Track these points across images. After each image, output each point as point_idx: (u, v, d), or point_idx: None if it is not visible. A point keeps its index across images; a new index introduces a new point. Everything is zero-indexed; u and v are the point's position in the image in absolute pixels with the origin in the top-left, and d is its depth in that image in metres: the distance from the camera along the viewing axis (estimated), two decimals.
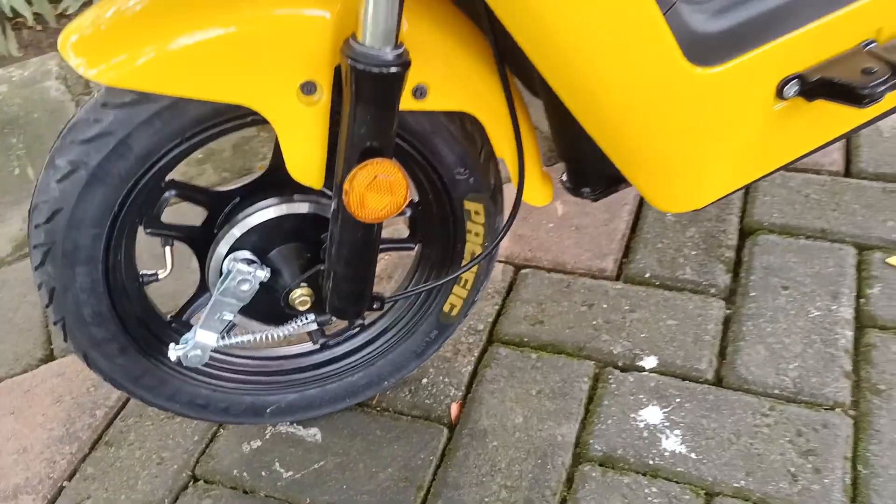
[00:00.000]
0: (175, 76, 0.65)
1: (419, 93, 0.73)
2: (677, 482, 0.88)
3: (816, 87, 0.75)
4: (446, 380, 1.04)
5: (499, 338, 1.08)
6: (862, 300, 1.04)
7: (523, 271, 1.17)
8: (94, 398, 1.06)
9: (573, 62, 0.69)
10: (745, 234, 1.16)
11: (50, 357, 1.14)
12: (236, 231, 0.81)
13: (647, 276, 1.12)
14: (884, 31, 0.77)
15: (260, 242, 0.83)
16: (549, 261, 1.17)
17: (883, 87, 0.72)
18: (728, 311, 1.06)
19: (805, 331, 1.01)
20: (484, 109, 0.77)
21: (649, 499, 0.87)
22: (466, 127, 0.80)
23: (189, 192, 0.82)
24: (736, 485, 0.87)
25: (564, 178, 0.95)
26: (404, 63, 0.65)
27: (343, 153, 0.70)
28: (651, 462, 0.90)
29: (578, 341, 1.05)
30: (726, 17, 0.71)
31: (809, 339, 1.00)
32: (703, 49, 0.71)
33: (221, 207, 0.83)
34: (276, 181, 0.82)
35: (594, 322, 1.07)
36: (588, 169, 0.91)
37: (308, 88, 0.69)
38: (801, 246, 1.12)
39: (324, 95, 0.70)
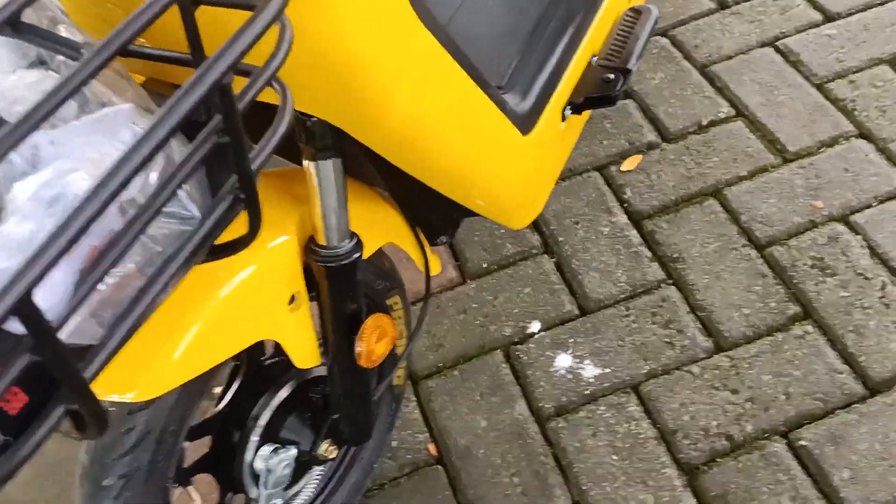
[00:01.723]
0: (198, 358, 0.74)
1: None
2: (611, 393, 1.19)
3: (583, 105, 1.06)
4: (408, 431, 1.23)
5: (420, 376, 1.28)
6: (625, 205, 1.42)
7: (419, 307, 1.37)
8: None
9: (443, 162, 0.89)
10: None
11: None
12: (254, 437, 0.92)
13: (485, 266, 1.39)
14: (596, 48, 1.10)
15: (272, 432, 0.94)
16: (410, 296, 1.39)
17: (622, 86, 1.05)
18: (554, 260, 1.38)
19: (609, 245, 1.37)
20: (393, 233, 0.96)
21: (603, 416, 1.17)
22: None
23: (199, 431, 0.90)
24: (643, 371, 1.21)
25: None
26: (359, 245, 0.82)
27: (335, 327, 0.86)
28: (587, 392, 1.20)
29: (477, 342, 1.30)
30: (530, 93, 0.97)
31: (614, 249, 1.36)
32: (525, 118, 0.97)
33: (226, 428, 0.92)
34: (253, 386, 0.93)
35: (476, 321, 1.33)
36: (440, 224, 1.14)
37: (292, 300, 0.83)
38: (566, 187, 1.46)
39: (303, 296, 0.84)
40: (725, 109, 1.50)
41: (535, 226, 1.43)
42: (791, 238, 1.30)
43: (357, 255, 0.82)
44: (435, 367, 1.28)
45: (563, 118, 1.07)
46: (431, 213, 1.10)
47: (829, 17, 1.60)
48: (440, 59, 0.74)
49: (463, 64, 0.78)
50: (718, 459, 1.09)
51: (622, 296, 1.30)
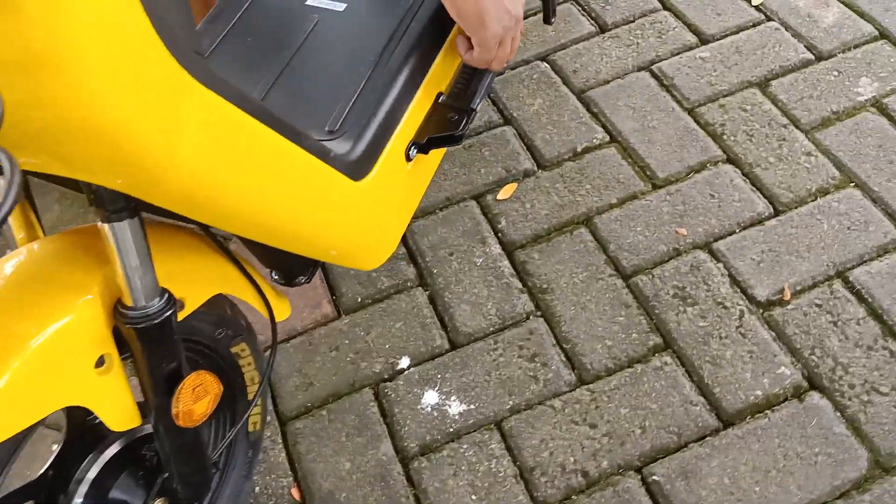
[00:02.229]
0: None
1: (179, 306, 0.87)
2: (475, 430, 1.19)
3: (428, 144, 1.05)
4: (272, 476, 1.21)
5: (288, 417, 1.26)
6: (500, 234, 1.41)
7: (268, 354, 1.35)
8: None
9: (255, 217, 0.87)
10: None
11: None
12: (78, 499, 0.89)
13: (360, 300, 1.38)
14: (443, 85, 1.09)
15: (100, 492, 0.91)
16: (282, 333, 1.37)
17: (467, 126, 1.04)
18: (427, 293, 1.37)
19: (481, 277, 1.36)
20: (222, 282, 0.94)
21: (466, 454, 1.17)
22: (210, 298, 0.96)
23: (19, 497, 0.87)
24: (507, 407, 1.20)
25: (275, 276, 1.14)
26: (171, 302, 0.80)
27: (153, 389, 0.83)
28: (451, 429, 1.19)
29: (348, 380, 1.28)
30: (363, 138, 0.96)
31: (487, 280, 1.36)
32: (358, 164, 0.96)
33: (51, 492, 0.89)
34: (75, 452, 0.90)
35: (347, 358, 1.31)
36: (295, 266, 1.12)
37: (100, 362, 0.80)
38: (443, 217, 1.45)
39: (113, 358, 0.81)
40: (600, 135, 1.50)
41: (412, 258, 1.41)
42: (656, 267, 1.31)
43: (169, 313, 0.79)
44: (304, 408, 1.26)
45: (409, 158, 1.06)
46: (278, 256, 1.08)
47: (703, 40, 1.62)
48: (228, 116, 0.72)
49: (262, 118, 0.76)
50: (574, 497, 1.09)
51: (491, 329, 1.29)
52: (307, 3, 1.11)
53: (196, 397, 0.84)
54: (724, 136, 1.45)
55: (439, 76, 1.09)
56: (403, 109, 1.02)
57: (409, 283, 1.38)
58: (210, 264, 0.92)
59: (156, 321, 0.79)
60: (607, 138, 1.50)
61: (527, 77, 1.63)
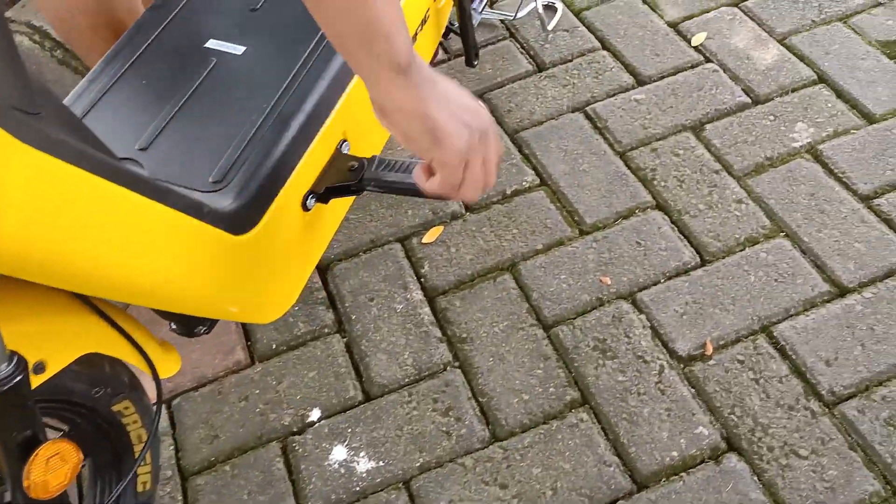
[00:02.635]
0: None
1: (39, 368, 0.81)
2: (381, 490, 1.13)
3: (327, 194, 1.00)
4: None
5: (190, 472, 1.20)
6: (422, 279, 1.37)
7: (175, 402, 1.29)
8: None
9: (117, 280, 0.82)
10: (322, 272, 1.41)
11: None
12: None
13: (274, 347, 1.32)
14: (348, 132, 1.05)
15: None
16: (191, 381, 1.31)
17: (363, 176, 1.00)
18: (345, 340, 1.31)
19: (400, 324, 1.31)
20: (92, 341, 0.88)
21: None
22: (83, 357, 0.90)
23: None
24: (417, 464, 1.15)
25: (174, 327, 1.09)
26: (21, 366, 0.74)
27: (5, 458, 0.77)
28: (358, 488, 1.14)
29: (255, 433, 1.22)
30: (247, 190, 0.91)
31: (405, 328, 1.31)
32: (242, 218, 0.91)
33: None
34: None
35: (257, 409, 1.25)
36: (191, 317, 1.07)
37: None
38: (366, 261, 1.41)
39: None
40: (530, 178, 1.47)
41: (331, 303, 1.36)
42: (577, 317, 1.26)
43: (18, 378, 0.74)
44: (207, 462, 1.20)
45: (307, 208, 1.01)
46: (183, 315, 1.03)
47: (640, 81, 1.59)
48: (63, 177, 0.67)
49: (111, 175, 0.72)
50: None
51: (407, 380, 1.24)
52: (206, 45, 1.06)
53: (51, 468, 0.79)
54: (655, 182, 1.42)
55: (342, 121, 1.05)
56: (297, 159, 0.97)
57: (326, 330, 1.33)
58: (75, 323, 0.86)
59: (3, 388, 0.73)
60: (537, 181, 1.46)
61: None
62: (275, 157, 0.95)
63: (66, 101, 1.02)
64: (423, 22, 1.23)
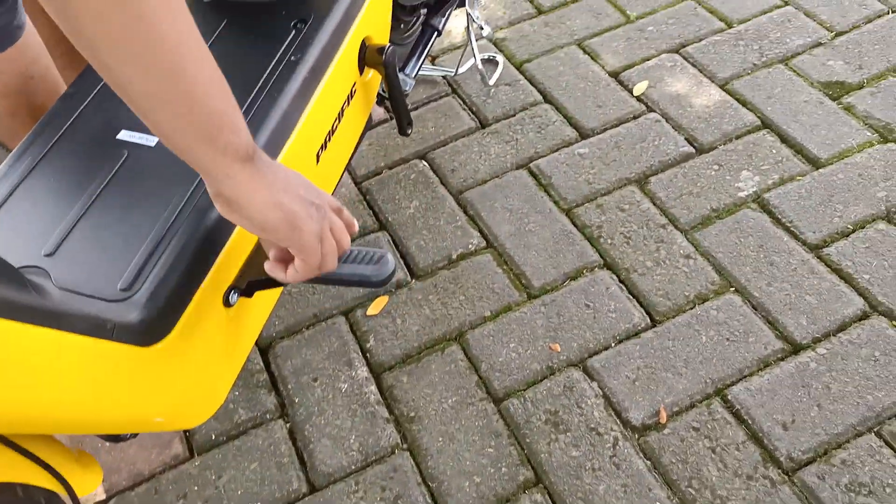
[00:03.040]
0: None
1: None
2: None
3: (249, 288, 0.95)
4: None
5: None
6: (368, 355, 1.31)
7: (111, 502, 1.22)
8: None
9: (31, 412, 0.77)
10: (264, 351, 1.36)
11: None
12: None
13: (214, 437, 1.26)
14: None
15: None
16: (127, 479, 1.24)
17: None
18: (288, 425, 1.25)
19: (345, 405, 1.26)
20: (5, 471, 0.82)
21: None
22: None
23: None
24: None
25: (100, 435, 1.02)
26: None
27: None
28: None
29: None
30: (158, 296, 0.86)
31: (351, 409, 1.25)
32: (152, 327, 0.85)
33: None
34: None
35: None
36: None
37: None
38: (309, 337, 1.35)
39: None
40: (476, 241, 1.43)
41: (273, 385, 1.30)
42: (528, 388, 1.21)
43: None
44: None
45: (229, 304, 0.96)
46: None
47: (583, 134, 1.57)
48: None
49: (12, 313, 0.66)
50: None
51: (353, 467, 1.18)
52: (118, 136, 1.01)
53: None
54: (601, 239, 1.38)
55: None
56: (214, 255, 0.92)
57: (268, 416, 1.27)
58: None
59: None
60: (483, 243, 1.42)
61: (404, 177, 1.56)
62: (189, 255, 0.89)
63: None
64: (350, 96, 1.19)
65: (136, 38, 0.52)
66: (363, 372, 1.29)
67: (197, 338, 0.92)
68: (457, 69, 1.70)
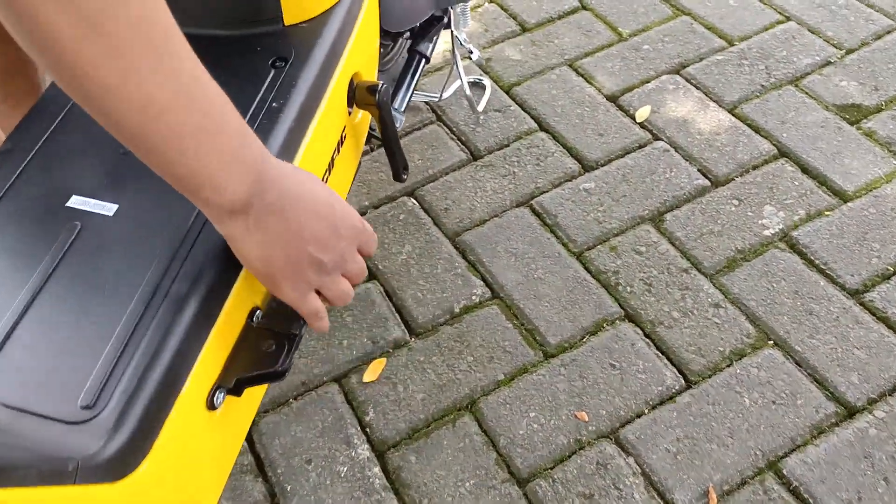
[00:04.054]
0: None
1: None
2: None
3: (238, 385, 0.78)
4: None
5: None
6: (368, 430, 1.16)
7: None
8: None
9: None
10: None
11: None
12: None
13: None
14: (262, 298, 0.83)
15: None
16: None
17: (289, 357, 0.78)
18: None
19: (347, 493, 1.10)
20: None
21: None
22: None
23: None
24: None
25: None
26: None
27: None
28: None
29: None
30: (130, 412, 0.69)
31: (353, 497, 1.09)
32: (123, 454, 0.68)
33: None
34: None
35: None
36: None
37: None
38: (298, 409, 1.19)
39: None
40: (479, 290, 1.28)
41: (260, 470, 1.14)
42: (556, 466, 1.08)
43: None
44: None
45: (214, 406, 0.79)
46: None
47: (586, 166, 1.44)
48: None
49: None
50: None
51: None
52: (68, 203, 0.83)
53: None
54: (620, 287, 1.26)
55: (254, 285, 0.84)
56: (194, 353, 0.75)
57: None
58: None
59: None
60: (488, 293, 1.28)
61: (392, 218, 1.40)
62: (164, 356, 0.72)
63: None
64: (341, 142, 1.04)
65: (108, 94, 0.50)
66: (364, 451, 1.13)
67: (178, 456, 0.75)
68: (441, 94, 1.55)
